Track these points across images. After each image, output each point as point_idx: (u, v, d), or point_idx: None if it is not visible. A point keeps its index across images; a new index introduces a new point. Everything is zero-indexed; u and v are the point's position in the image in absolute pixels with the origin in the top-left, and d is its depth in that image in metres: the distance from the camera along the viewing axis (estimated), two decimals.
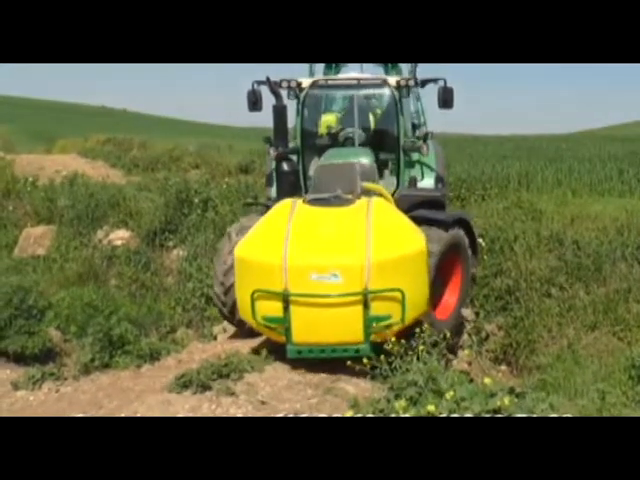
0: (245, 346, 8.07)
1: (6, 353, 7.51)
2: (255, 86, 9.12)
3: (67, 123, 43.59)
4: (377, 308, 7.18)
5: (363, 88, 9.60)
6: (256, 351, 7.71)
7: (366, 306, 7.13)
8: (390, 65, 11.30)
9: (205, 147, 24.23)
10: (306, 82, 9.44)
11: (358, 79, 9.58)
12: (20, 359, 7.59)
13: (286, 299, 7.19)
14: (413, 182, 9.43)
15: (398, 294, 7.16)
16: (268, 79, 8.72)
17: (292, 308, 7.21)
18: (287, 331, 7.29)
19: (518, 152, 25.99)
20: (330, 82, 9.68)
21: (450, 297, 8.72)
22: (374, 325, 7.16)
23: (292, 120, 9.35)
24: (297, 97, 9.49)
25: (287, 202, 7.80)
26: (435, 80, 9.03)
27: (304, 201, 7.75)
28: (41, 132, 35.70)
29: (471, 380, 5.23)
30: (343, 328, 7.23)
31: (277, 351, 7.41)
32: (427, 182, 9.67)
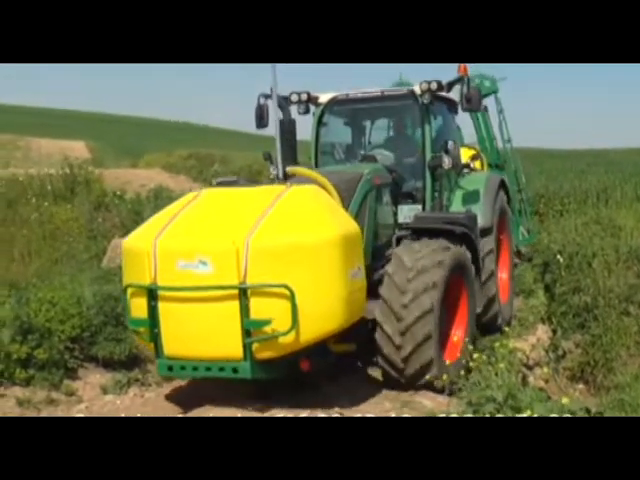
0: None
1: (96, 358, 7.83)
2: (261, 100, 8.36)
3: (151, 139, 44.73)
4: (258, 310, 5.70)
5: (387, 100, 8.72)
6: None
7: (244, 307, 5.69)
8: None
9: None
10: (324, 97, 8.81)
11: (382, 91, 8.76)
12: (108, 364, 7.88)
13: (153, 294, 5.94)
14: (438, 205, 8.34)
15: (284, 291, 5.60)
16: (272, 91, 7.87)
17: (160, 308, 5.97)
18: (157, 339, 6.05)
19: (595, 167, 25.58)
20: (351, 96, 8.83)
21: (456, 333, 7.47)
22: (253, 332, 5.74)
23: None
24: (307, 112, 8.80)
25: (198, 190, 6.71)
26: (460, 80, 8.12)
27: (212, 184, 6.68)
28: (127, 148, 36.79)
29: (548, 398, 5.25)
30: (218, 337, 5.81)
31: (352, 362, 7.40)
32: (454, 209, 8.63)
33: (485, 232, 8.69)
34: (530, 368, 7.77)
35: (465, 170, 9.40)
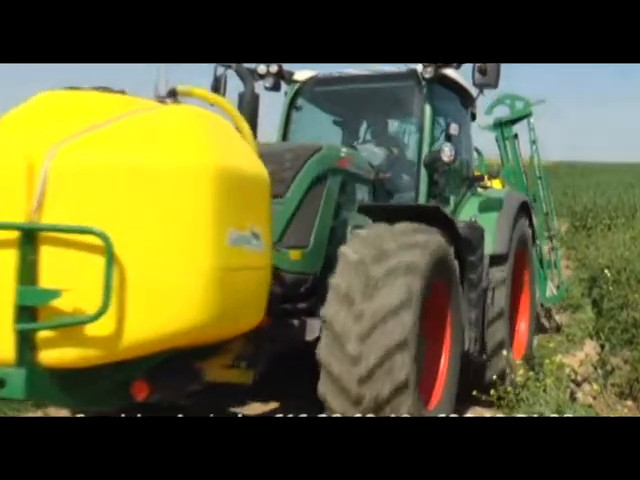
0: None
1: None
2: (219, 71, 6.36)
3: None
4: (51, 273, 3.37)
5: (381, 81, 6.88)
6: None
7: (28, 264, 3.34)
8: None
9: None
10: (300, 74, 7.11)
11: (375, 70, 6.88)
12: None
13: None
14: None
15: (97, 243, 3.32)
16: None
17: None
18: None
19: None
20: (336, 75, 6.95)
21: (429, 379, 5.12)
22: (39, 312, 3.35)
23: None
24: (276, 89, 7.04)
25: None
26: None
27: (65, 87, 4.05)
28: None
29: (597, 415, 5.22)
30: None
31: None
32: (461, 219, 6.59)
33: (496, 261, 6.54)
34: (578, 384, 7.68)
35: (480, 190, 7.72)
